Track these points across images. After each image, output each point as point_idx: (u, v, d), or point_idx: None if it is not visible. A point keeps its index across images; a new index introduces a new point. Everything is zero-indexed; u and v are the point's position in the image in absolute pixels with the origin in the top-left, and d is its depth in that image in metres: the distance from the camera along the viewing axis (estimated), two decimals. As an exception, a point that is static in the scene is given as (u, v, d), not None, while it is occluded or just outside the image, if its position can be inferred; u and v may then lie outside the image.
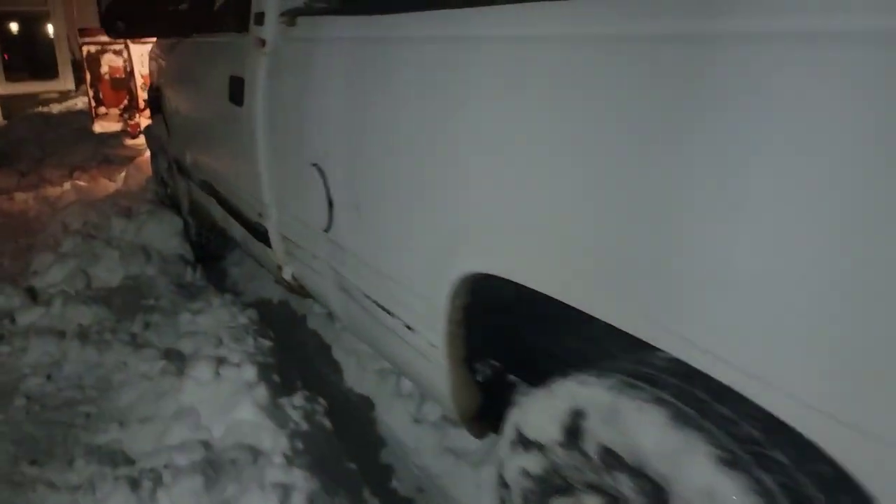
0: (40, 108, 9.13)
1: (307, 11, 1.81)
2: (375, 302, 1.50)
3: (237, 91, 2.13)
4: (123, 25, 2.61)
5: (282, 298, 3.16)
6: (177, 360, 2.32)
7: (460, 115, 1.09)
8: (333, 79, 1.55)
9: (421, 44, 1.20)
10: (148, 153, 5.22)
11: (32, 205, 4.79)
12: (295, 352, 2.61)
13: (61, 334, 2.66)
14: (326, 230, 1.68)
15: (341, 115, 1.51)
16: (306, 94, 1.70)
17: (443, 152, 1.15)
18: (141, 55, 5.78)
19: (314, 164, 1.67)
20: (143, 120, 5.80)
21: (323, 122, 1.61)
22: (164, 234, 3.41)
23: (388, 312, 1.45)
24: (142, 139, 5.57)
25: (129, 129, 5.84)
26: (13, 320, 2.86)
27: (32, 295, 3.11)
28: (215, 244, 3.57)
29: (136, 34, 2.74)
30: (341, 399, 2.34)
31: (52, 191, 5.01)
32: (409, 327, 1.37)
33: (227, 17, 2.43)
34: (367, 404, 2.31)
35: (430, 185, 1.20)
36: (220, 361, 2.13)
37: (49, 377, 2.44)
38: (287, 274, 2.15)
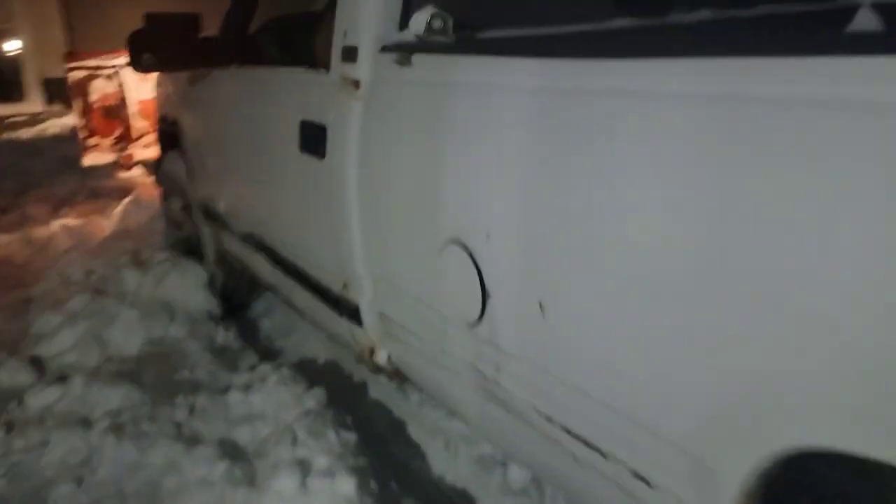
0: (9, 134, 8.55)
1: (423, 48, 1.46)
2: (568, 430, 1.15)
3: (315, 140, 1.77)
4: (152, 58, 2.23)
5: (329, 358, 2.79)
6: (241, 461, 1.94)
7: (803, 206, 0.75)
8: (498, 138, 1.20)
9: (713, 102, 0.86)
10: (142, 187, 4.81)
11: (19, 249, 4.31)
12: (363, 430, 2.23)
13: (86, 423, 2.25)
14: (474, 324, 1.32)
15: (517, 185, 1.16)
16: (440, 153, 1.34)
17: (760, 259, 0.80)
18: (135, 80, 5.32)
19: (456, 241, 1.32)
20: (137, 151, 5.34)
21: (476, 192, 1.26)
22: (188, 287, 3.00)
23: (597, 451, 1.10)
24: (136, 172, 5.12)
25: (122, 161, 5.37)
26: (21, 402, 2.44)
27: (39, 367, 2.69)
28: (240, 294, 3.19)
29: (167, 67, 2.35)
30: (435, 496, 1.98)
31: (40, 231, 4.54)
32: (642, 479, 1.02)
33: (288, 47, 2.07)
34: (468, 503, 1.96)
35: (718, 308, 0.86)
36: (304, 466, 1.76)
37: (80, 483, 2.03)
38: (381, 357, 1.79)
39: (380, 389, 2.49)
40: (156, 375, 2.51)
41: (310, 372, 2.60)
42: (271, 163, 2.06)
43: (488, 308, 1.28)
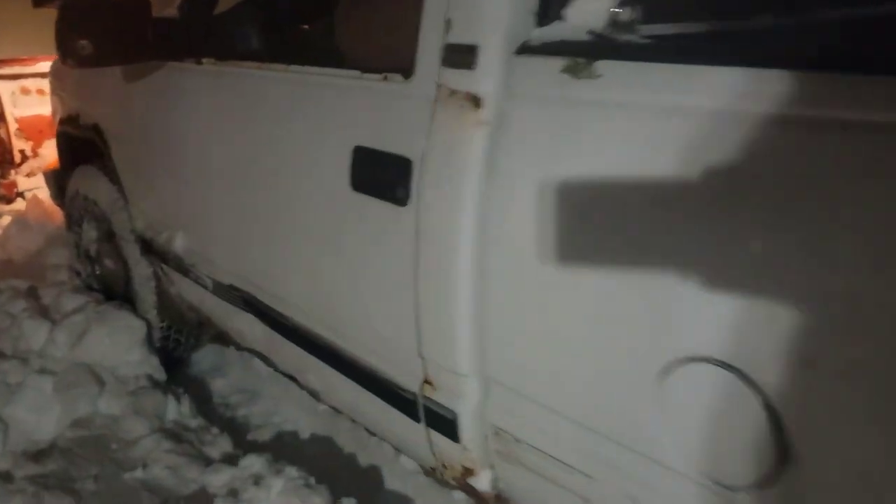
0: None
1: (611, 52, 0.96)
2: None
3: (385, 178, 1.23)
4: (90, 46, 1.60)
5: (316, 432, 2.23)
6: None
7: None
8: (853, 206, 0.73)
9: None
10: (29, 203, 3.92)
11: None
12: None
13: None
14: (741, 489, 0.85)
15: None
16: (690, 224, 0.86)
17: None
18: (13, 93, 4.30)
19: (715, 361, 0.84)
20: (22, 179, 4.34)
21: (780, 286, 0.79)
22: (119, 344, 2.30)
23: None
24: (20, 204, 4.15)
25: (2, 191, 4.35)
26: None
27: (-86, 466, 1.95)
28: (183, 349, 2.54)
29: (112, 59, 1.70)
30: None
31: None
32: None
33: (311, 39, 1.51)
34: None
35: None
36: None
37: None
38: (482, 482, 1.28)
39: (402, 479, 1.95)
40: (96, 479, 1.85)
41: (296, 455, 2.02)
42: (289, 198, 1.48)
43: (788, 474, 0.81)
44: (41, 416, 2.12)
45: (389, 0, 1.41)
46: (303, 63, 1.43)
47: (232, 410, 2.39)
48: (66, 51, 1.58)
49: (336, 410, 1.72)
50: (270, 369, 2.23)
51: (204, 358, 2.65)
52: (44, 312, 2.52)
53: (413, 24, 1.20)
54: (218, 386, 2.51)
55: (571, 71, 0.98)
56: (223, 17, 1.80)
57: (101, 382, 2.21)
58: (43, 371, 2.23)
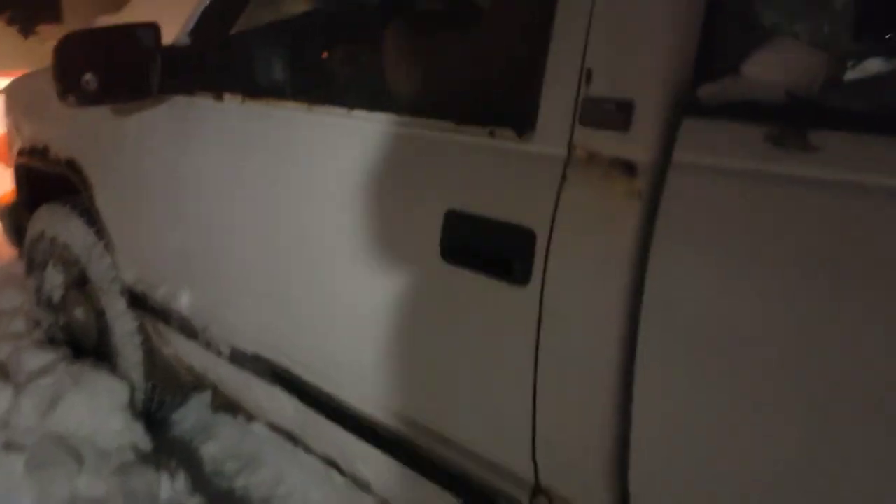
0: None
1: (828, 117, 0.80)
2: None
3: (494, 248, 1.03)
4: (95, 81, 1.36)
5: (332, 506, 1.98)
6: None
7: None
8: None
9: None
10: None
11: None
12: None
13: None
14: None
15: None
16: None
17: None
18: None
19: None
20: None
21: None
22: (98, 411, 2.00)
23: None
24: None
25: None
26: None
27: None
28: (167, 406, 2.26)
29: (117, 95, 1.45)
30: None
31: None
32: None
33: (379, 80, 1.31)
34: None
35: None
36: None
37: None
38: None
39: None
40: (88, 586, 1.57)
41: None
42: (352, 265, 1.26)
43: None
44: (12, 501, 1.82)
45: (474, 35, 1.22)
46: (371, 108, 1.22)
47: (229, 481, 2.11)
48: (68, 87, 1.33)
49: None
50: (268, 430, 2.00)
51: (187, 416, 2.37)
52: (2, 372, 2.19)
53: (511, 64, 1.02)
54: (209, 451, 2.22)
55: (777, 141, 0.81)
56: (246, 47, 1.57)
57: (79, 458, 1.91)
58: (9, 446, 1.93)
